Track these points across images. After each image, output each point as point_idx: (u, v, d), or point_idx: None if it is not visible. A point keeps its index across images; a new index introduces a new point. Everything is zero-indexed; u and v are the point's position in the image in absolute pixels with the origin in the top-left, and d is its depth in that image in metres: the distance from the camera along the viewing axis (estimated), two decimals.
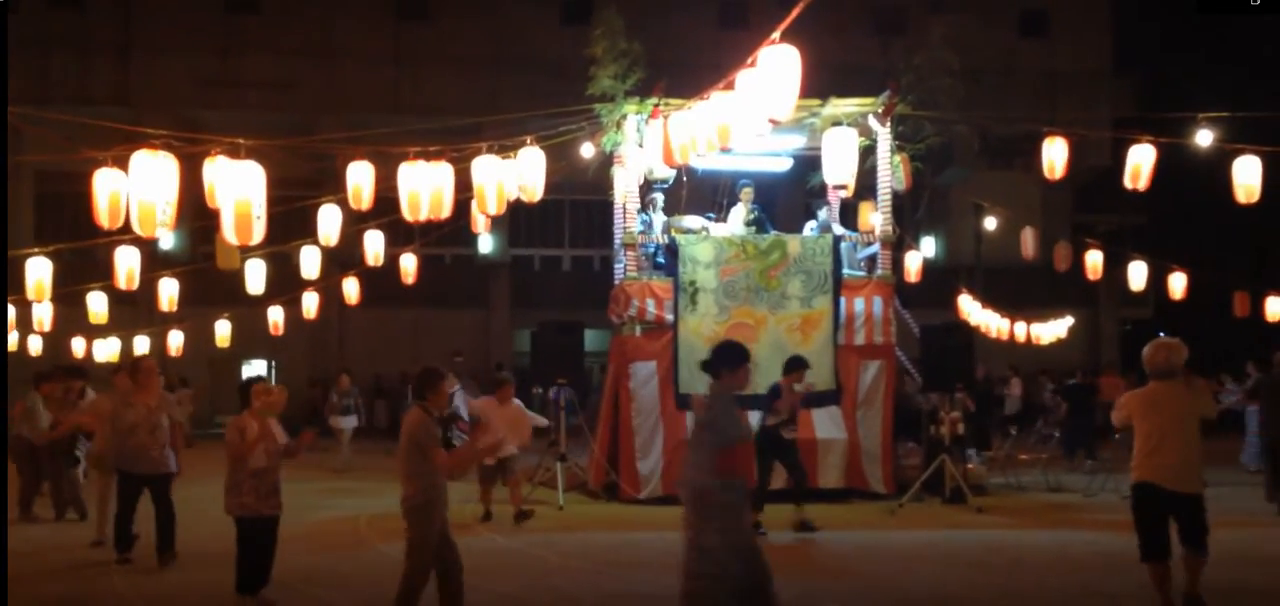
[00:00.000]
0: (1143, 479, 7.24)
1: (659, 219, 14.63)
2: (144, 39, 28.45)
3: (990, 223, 23.29)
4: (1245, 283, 20.04)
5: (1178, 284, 18.37)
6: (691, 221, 14.78)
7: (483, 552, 10.15)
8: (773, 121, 7.29)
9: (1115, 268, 19.75)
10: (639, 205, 14.24)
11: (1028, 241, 20.99)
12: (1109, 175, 28.26)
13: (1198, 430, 7.21)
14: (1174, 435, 7.11)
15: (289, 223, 17.25)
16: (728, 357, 6.32)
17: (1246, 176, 10.94)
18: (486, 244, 28.99)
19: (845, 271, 14.13)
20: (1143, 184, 10.91)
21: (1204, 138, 11.49)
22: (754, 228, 14.68)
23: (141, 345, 20.24)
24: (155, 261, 18.13)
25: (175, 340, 20.00)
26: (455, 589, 6.81)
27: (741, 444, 6.29)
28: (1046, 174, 11.89)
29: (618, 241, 14.68)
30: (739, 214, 14.90)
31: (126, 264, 13.09)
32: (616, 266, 14.94)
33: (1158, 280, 19.17)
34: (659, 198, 14.79)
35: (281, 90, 28.38)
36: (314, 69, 28.81)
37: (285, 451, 7.87)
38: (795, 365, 11.51)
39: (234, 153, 8.45)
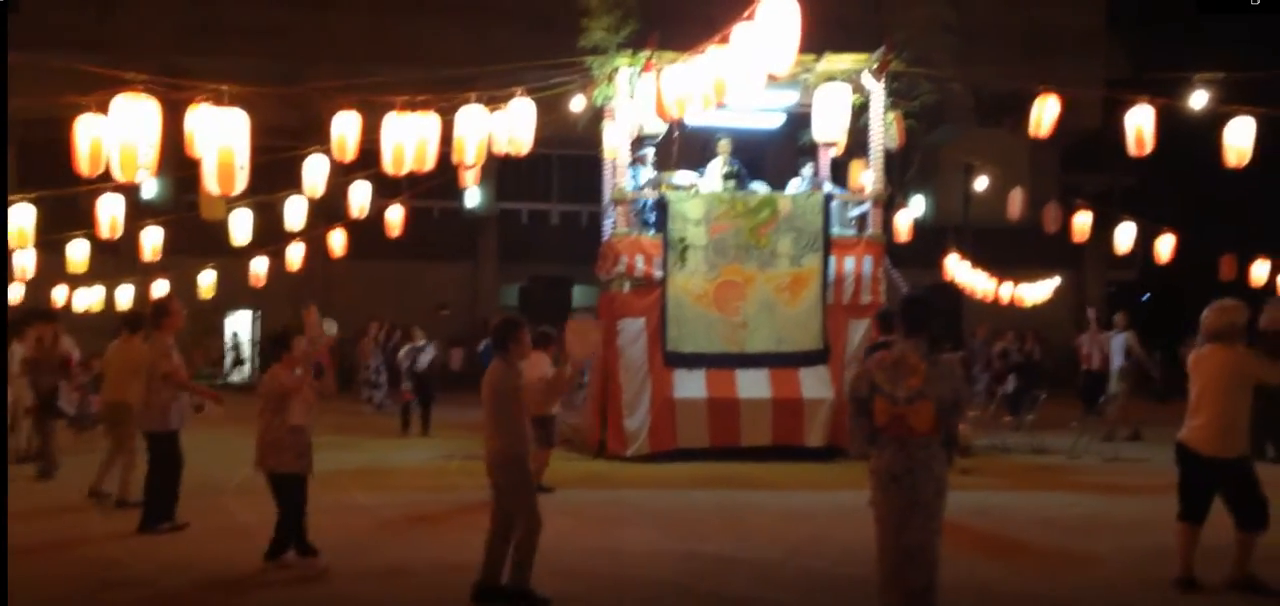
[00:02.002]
0: (1180, 440, 7.16)
1: (649, 174, 14.51)
2: None
3: (981, 183, 23.20)
4: (1232, 246, 20.01)
5: (1165, 246, 18.35)
6: (682, 178, 14.67)
7: (464, 506, 10.12)
8: (770, 76, 7.18)
9: (1102, 229, 19.70)
10: (629, 161, 14.11)
11: (1015, 202, 20.91)
12: (1098, 136, 28.25)
13: (1241, 395, 6.97)
14: (1211, 397, 6.99)
15: (274, 172, 17.05)
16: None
17: (1238, 139, 10.87)
18: (474, 197, 28.75)
19: (835, 230, 14.06)
20: (1148, 148, 10.84)
21: (1198, 99, 11.40)
22: (732, 182, 14.58)
23: (124, 295, 20.08)
24: (139, 210, 17.87)
25: (158, 290, 19.81)
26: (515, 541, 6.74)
27: None
28: (1033, 131, 11.84)
29: (607, 197, 14.56)
30: (716, 167, 14.78)
31: (109, 212, 12.92)
32: (605, 222, 14.83)
33: (1145, 243, 19.13)
34: (649, 153, 14.67)
35: (267, 37, 27.98)
36: (301, 16, 28.41)
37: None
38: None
39: (218, 99, 8.30)
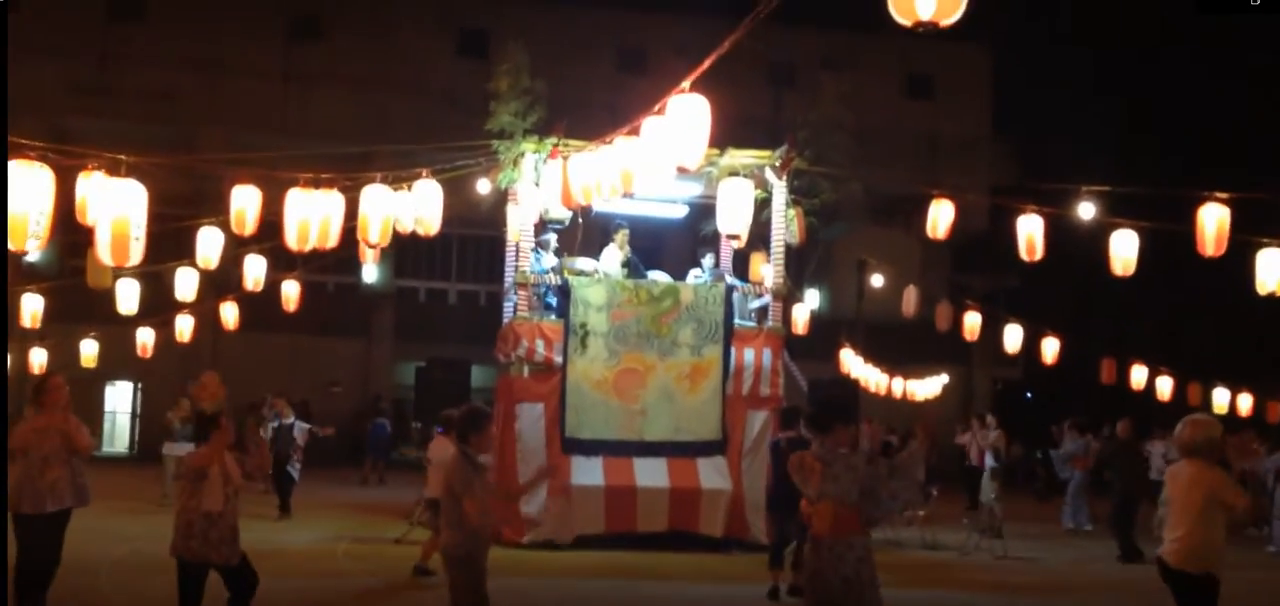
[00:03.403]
0: (1160, 554, 7.16)
1: (551, 259, 14.51)
2: (19, 40, 27.10)
3: (876, 280, 23.79)
4: (1112, 349, 20.81)
5: (1049, 347, 19.00)
6: (585, 263, 14.69)
7: (350, 593, 9.84)
8: (680, 169, 7.27)
9: (990, 329, 20.35)
10: (532, 244, 14.10)
11: (909, 299, 21.47)
12: (987, 237, 29.24)
13: (1216, 513, 6.79)
14: (1182, 513, 7.01)
15: (165, 241, 16.63)
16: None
17: (1123, 250, 11.36)
18: (371, 273, 28.37)
19: (736, 322, 14.20)
20: (1038, 254, 11.26)
21: (1086, 210, 11.90)
22: (627, 271, 14.67)
23: None
24: (20, 274, 17.21)
25: (37, 358, 19.05)
26: None
27: None
28: (930, 233, 12.20)
29: (509, 280, 14.50)
30: (613, 254, 14.86)
31: None
32: (506, 304, 14.75)
33: (1030, 342, 19.79)
34: (552, 238, 14.68)
35: (163, 101, 27.42)
36: (198, 82, 27.88)
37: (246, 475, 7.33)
38: (791, 418, 11.35)
39: (114, 169, 8.08)
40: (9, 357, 19.18)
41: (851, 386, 15.64)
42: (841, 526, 5.67)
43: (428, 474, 11.28)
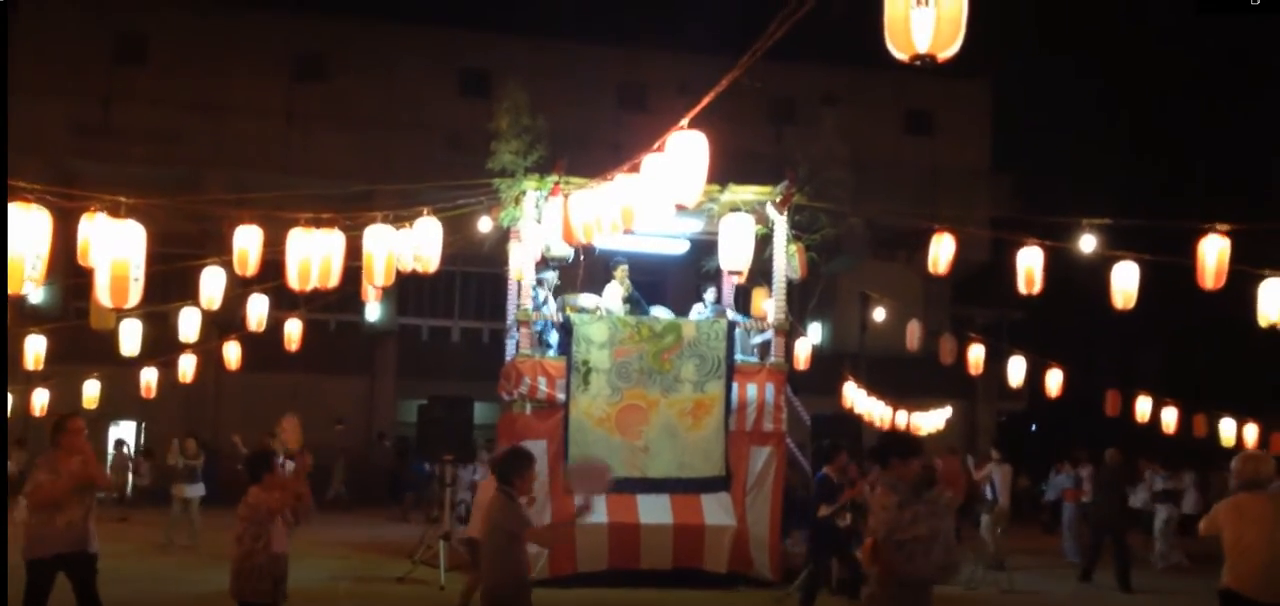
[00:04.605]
0: (1227, 586, 7.22)
1: (548, 295, 14.51)
2: (22, 82, 27.31)
3: (878, 313, 23.76)
4: (1117, 381, 20.74)
5: (1054, 380, 18.94)
6: (587, 300, 14.69)
7: None
8: (679, 206, 7.27)
9: (994, 361, 20.28)
10: (534, 282, 14.11)
11: (913, 333, 21.43)
12: (987, 270, 29.23)
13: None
14: (1259, 544, 7.11)
15: (168, 281, 16.66)
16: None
17: (1124, 282, 11.34)
18: (374, 312, 28.41)
19: (738, 357, 14.18)
20: (1037, 287, 11.25)
21: (1087, 243, 11.88)
22: (629, 307, 14.67)
23: None
24: (23, 316, 17.25)
25: (40, 399, 19.04)
26: None
27: None
28: (931, 268, 12.21)
29: (511, 317, 14.50)
30: (614, 291, 14.87)
31: None
32: (508, 342, 14.75)
33: (1034, 375, 19.73)
34: (553, 276, 14.69)
35: (165, 142, 27.50)
36: (201, 123, 27.99)
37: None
38: (833, 452, 11.43)
39: (114, 210, 8.09)
40: (10, 399, 19.24)
41: (854, 421, 15.58)
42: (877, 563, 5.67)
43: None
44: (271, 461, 7.11)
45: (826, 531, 11.26)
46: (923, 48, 4.99)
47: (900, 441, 6.07)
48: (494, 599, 6.34)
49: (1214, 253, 10.01)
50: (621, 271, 14.92)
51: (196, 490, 16.61)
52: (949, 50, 5.02)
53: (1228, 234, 10.02)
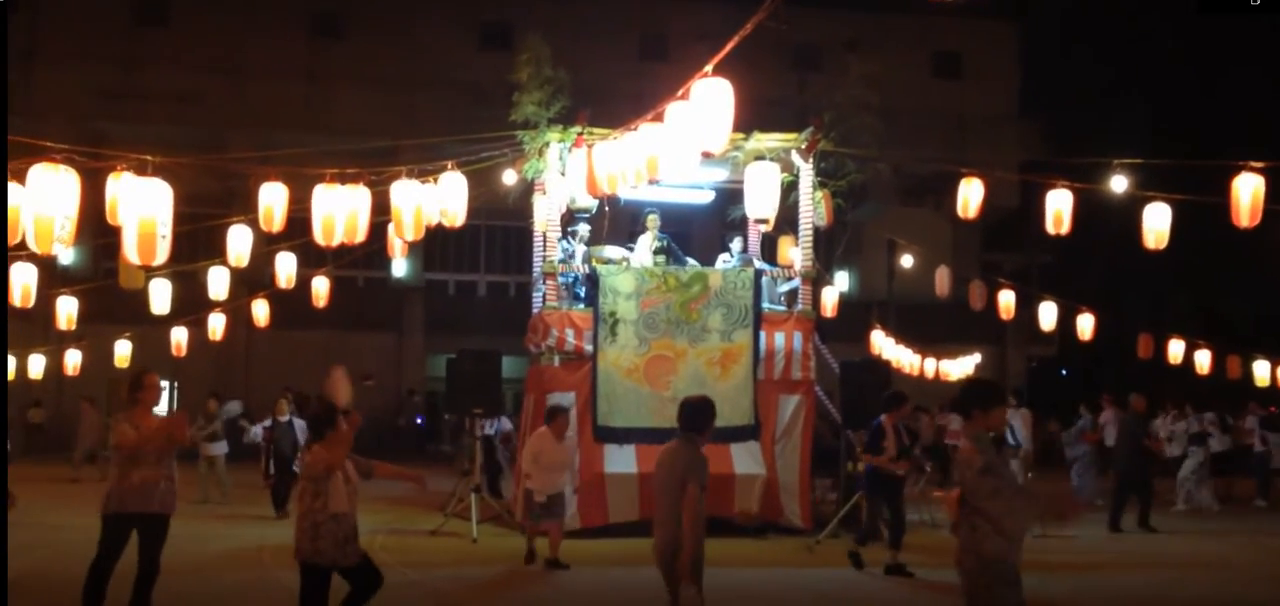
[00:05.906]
0: None
1: (579, 248, 14.48)
2: (47, 48, 27.49)
3: (906, 260, 23.61)
4: (1149, 325, 20.53)
5: (1085, 324, 18.77)
6: (612, 251, 14.65)
7: (393, 585, 9.84)
8: (705, 154, 7.21)
9: (1024, 307, 20.13)
10: (559, 234, 14.08)
11: (942, 279, 21.28)
12: (1016, 215, 28.96)
13: None
14: None
15: (196, 241, 16.78)
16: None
17: (1156, 222, 11.19)
18: (401, 267, 28.53)
19: (765, 305, 14.12)
20: (1065, 228, 11.13)
21: (1118, 183, 11.73)
22: (662, 256, 14.61)
23: (36, 364, 19.46)
24: (54, 278, 17.38)
25: (72, 359, 19.26)
26: None
27: None
28: (960, 213, 12.09)
29: (537, 270, 14.49)
30: (646, 242, 14.81)
31: (22, 280, 12.53)
32: (535, 295, 14.74)
33: (1065, 320, 19.56)
34: (585, 228, 14.64)
35: (188, 104, 27.64)
36: (223, 84, 28.14)
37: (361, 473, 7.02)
38: (895, 401, 11.38)
39: (140, 169, 8.11)
40: (44, 360, 19.47)
41: (884, 367, 15.50)
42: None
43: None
44: (335, 418, 6.82)
45: (878, 478, 11.25)
46: None
47: (984, 390, 5.67)
48: (670, 548, 6.43)
49: (1248, 191, 9.84)
50: (653, 221, 14.86)
51: (220, 448, 16.80)
52: None
53: (1262, 172, 9.84)
